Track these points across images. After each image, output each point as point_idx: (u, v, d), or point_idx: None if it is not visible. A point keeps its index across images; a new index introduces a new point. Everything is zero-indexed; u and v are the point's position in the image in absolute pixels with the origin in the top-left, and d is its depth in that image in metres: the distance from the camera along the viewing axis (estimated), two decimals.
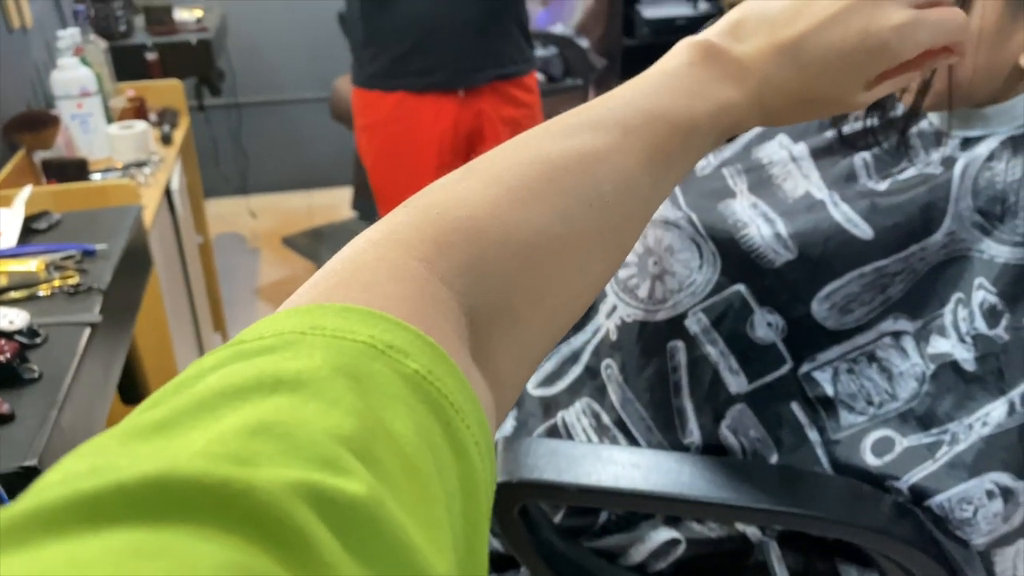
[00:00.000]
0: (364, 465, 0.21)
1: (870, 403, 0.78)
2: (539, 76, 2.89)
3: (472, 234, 0.32)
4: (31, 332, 0.93)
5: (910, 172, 0.78)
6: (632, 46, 3.45)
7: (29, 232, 1.22)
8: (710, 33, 0.47)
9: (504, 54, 1.85)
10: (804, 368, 0.80)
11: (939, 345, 0.76)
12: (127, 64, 2.27)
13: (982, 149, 0.74)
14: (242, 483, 0.18)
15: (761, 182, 0.84)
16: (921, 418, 0.76)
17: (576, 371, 0.88)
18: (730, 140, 0.84)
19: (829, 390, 0.79)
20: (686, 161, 0.43)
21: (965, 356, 0.74)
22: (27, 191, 1.28)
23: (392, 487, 0.21)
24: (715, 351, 0.81)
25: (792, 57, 0.45)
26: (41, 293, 1.05)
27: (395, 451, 0.23)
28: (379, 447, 0.22)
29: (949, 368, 0.75)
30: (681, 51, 0.45)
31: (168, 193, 1.87)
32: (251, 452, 0.20)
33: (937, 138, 0.78)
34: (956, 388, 0.75)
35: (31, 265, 1.07)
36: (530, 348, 0.35)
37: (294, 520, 0.18)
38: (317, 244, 3.18)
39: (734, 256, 0.80)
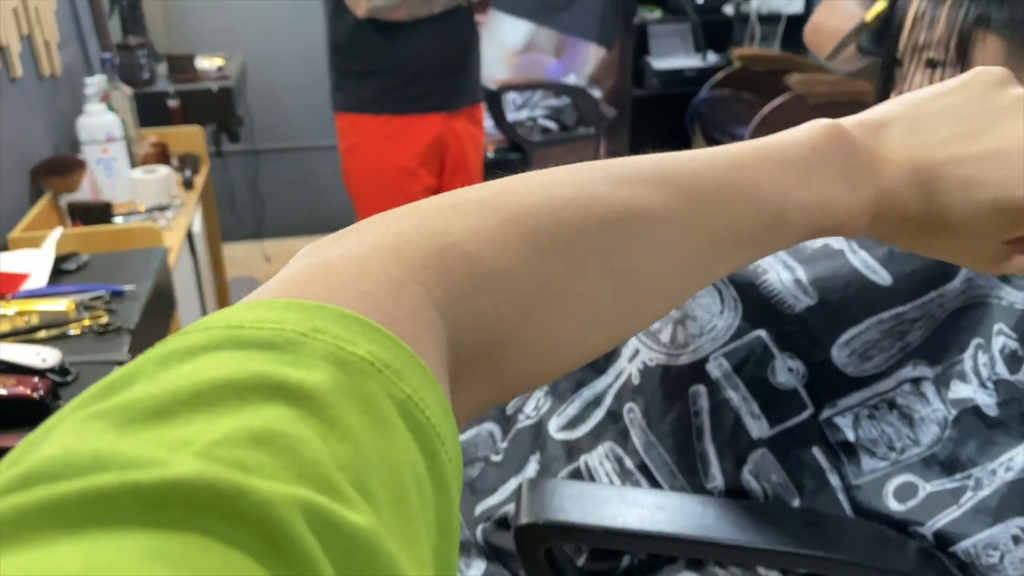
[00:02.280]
0: (359, 495, 0.21)
1: (892, 448, 0.78)
2: (552, 124, 2.94)
3: (474, 273, 0.30)
4: (63, 370, 0.95)
5: None
6: (641, 96, 3.50)
7: (59, 272, 1.24)
8: (850, 120, 0.41)
9: (474, 84, 2.23)
10: (825, 413, 0.81)
11: (960, 390, 0.77)
12: (150, 110, 2.32)
13: None
14: (258, 495, 0.18)
15: None
16: (944, 463, 0.76)
17: (599, 415, 0.88)
18: None
19: (850, 435, 0.80)
20: (760, 250, 0.38)
21: (987, 401, 0.75)
22: (57, 233, 1.30)
23: (384, 520, 0.21)
24: (737, 396, 0.81)
25: (925, 180, 0.40)
26: (72, 332, 1.06)
27: (387, 482, 0.22)
28: (373, 477, 0.21)
29: (971, 413, 0.76)
30: (807, 131, 0.40)
31: (190, 236, 1.89)
32: (256, 463, 0.19)
33: None
34: (979, 433, 0.75)
35: (61, 305, 1.09)
36: (500, 391, 0.33)
37: (303, 543, 0.18)
38: None
39: (755, 301, 0.81)
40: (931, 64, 0.81)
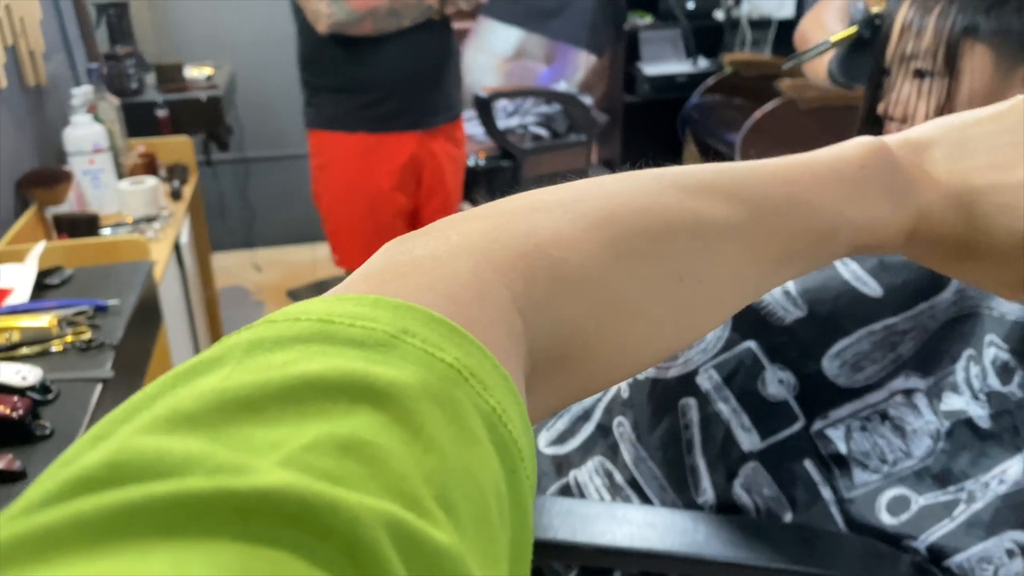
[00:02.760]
0: (443, 510, 0.20)
1: (884, 461, 0.78)
2: (543, 132, 2.93)
3: (558, 277, 0.30)
4: (43, 388, 0.94)
5: None
6: (633, 102, 3.50)
7: (42, 287, 1.22)
8: (894, 139, 0.42)
9: (451, 100, 2.15)
10: (817, 425, 0.80)
11: (953, 402, 0.76)
12: (138, 120, 2.30)
13: None
14: (348, 512, 0.18)
15: None
16: (937, 476, 0.76)
17: (588, 429, 0.87)
18: None
19: (842, 448, 0.79)
20: (805, 265, 0.39)
21: (979, 413, 0.74)
22: (40, 247, 1.29)
23: (466, 539, 0.21)
24: (727, 408, 0.81)
25: (964, 204, 0.40)
26: (54, 348, 1.05)
27: (470, 497, 0.22)
28: (456, 491, 0.21)
29: (964, 425, 0.75)
30: (854, 148, 0.40)
31: (177, 248, 1.88)
32: (343, 472, 0.19)
33: None
34: (971, 445, 0.75)
35: (44, 321, 1.08)
36: (564, 397, 0.33)
37: (390, 565, 0.18)
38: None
39: (744, 313, 0.81)
40: (919, 74, 0.81)
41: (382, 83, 1.99)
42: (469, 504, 0.21)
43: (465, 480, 0.22)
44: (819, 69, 1.48)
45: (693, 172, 0.36)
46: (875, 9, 0.99)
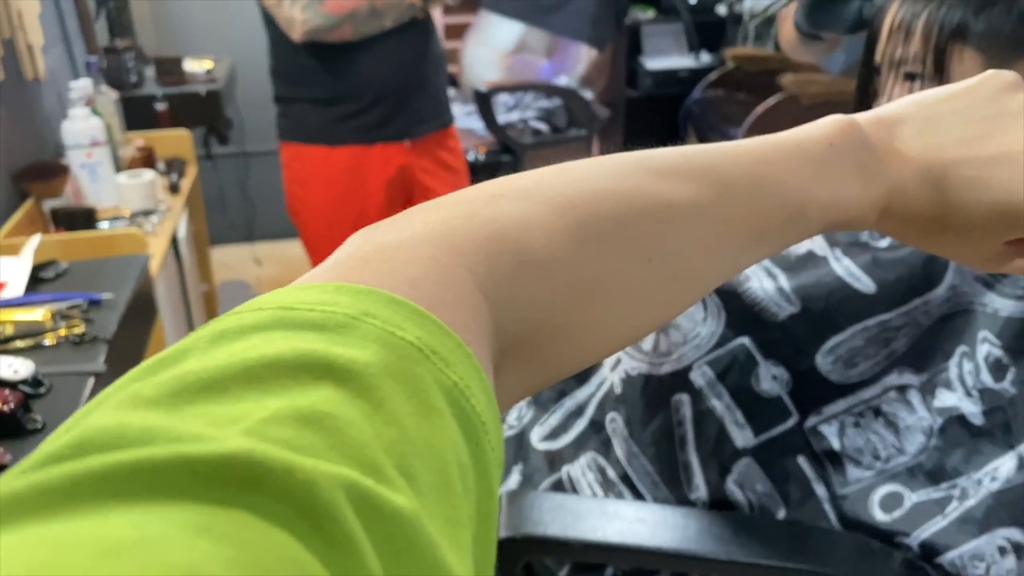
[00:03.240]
0: (403, 478, 0.21)
1: (877, 457, 0.77)
2: (543, 126, 2.92)
3: (523, 261, 0.31)
4: (35, 382, 0.93)
5: None
6: (635, 97, 3.49)
7: (37, 281, 1.22)
8: (864, 117, 0.42)
9: (442, 106, 1.99)
10: (810, 422, 0.80)
11: (946, 399, 0.76)
12: (137, 114, 2.30)
13: None
14: (304, 474, 0.18)
15: None
16: (930, 473, 0.75)
17: (581, 425, 0.87)
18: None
19: (836, 444, 0.79)
20: (781, 242, 0.40)
21: (972, 410, 0.74)
22: (36, 240, 1.29)
23: (427, 504, 0.21)
24: (720, 404, 0.80)
25: (935, 178, 0.41)
26: (46, 342, 1.05)
27: (431, 467, 0.22)
28: (416, 461, 0.22)
29: (956, 422, 0.75)
30: (824, 127, 0.41)
31: (175, 242, 1.88)
32: (302, 442, 0.19)
33: None
34: (964, 442, 0.74)
35: (37, 314, 1.07)
36: (535, 378, 0.34)
37: (347, 524, 0.18)
38: None
39: (738, 309, 0.80)
40: (909, 77, 0.80)
41: (364, 92, 1.84)
42: (429, 473, 0.22)
43: (425, 451, 0.22)
44: (789, 33, 1.46)
45: (660, 155, 0.37)
46: None
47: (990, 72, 0.43)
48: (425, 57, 1.89)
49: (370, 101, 1.85)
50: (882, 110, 0.43)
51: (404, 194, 2.00)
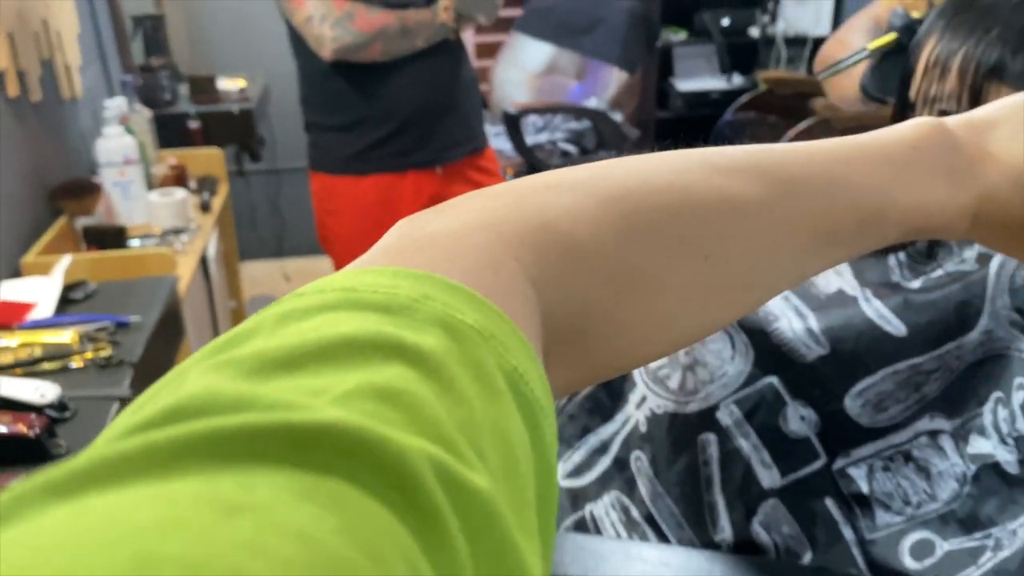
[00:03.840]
0: (477, 457, 0.21)
1: (908, 503, 0.76)
2: (572, 148, 2.92)
3: (568, 251, 0.31)
4: (61, 406, 0.94)
5: (944, 270, 0.77)
6: (666, 118, 3.49)
7: (66, 302, 1.24)
8: (955, 120, 0.40)
9: (473, 130, 1.94)
10: (839, 464, 0.78)
11: (980, 445, 0.74)
12: (170, 132, 2.33)
13: None
14: (396, 446, 0.18)
15: None
16: (962, 521, 0.73)
17: (605, 463, 0.86)
18: (935, 245, 0.77)
19: (864, 487, 0.77)
20: (854, 247, 0.38)
21: (1007, 458, 0.72)
22: (66, 261, 1.30)
23: (498, 485, 0.21)
24: (747, 444, 0.79)
25: None
26: (73, 365, 1.06)
27: (499, 449, 0.22)
28: (486, 442, 0.22)
29: (991, 470, 0.73)
30: (910, 129, 0.39)
31: (204, 260, 1.90)
32: (384, 416, 0.20)
33: None
34: (999, 491, 0.72)
35: (66, 336, 1.09)
36: (584, 372, 0.33)
37: (436, 499, 0.18)
38: None
39: (766, 348, 0.79)
40: (943, 115, 0.79)
41: (394, 115, 1.79)
42: (497, 455, 0.22)
43: (493, 432, 0.22)
44: (845, 86, 1.44)
45: (724, 152, 0.35)
46: (915, 14, 0.95)
47: None
48: (456, 79, 1.86)
49: (400, 125, 1.80)
50: (974, 113, 0.41)
51: None
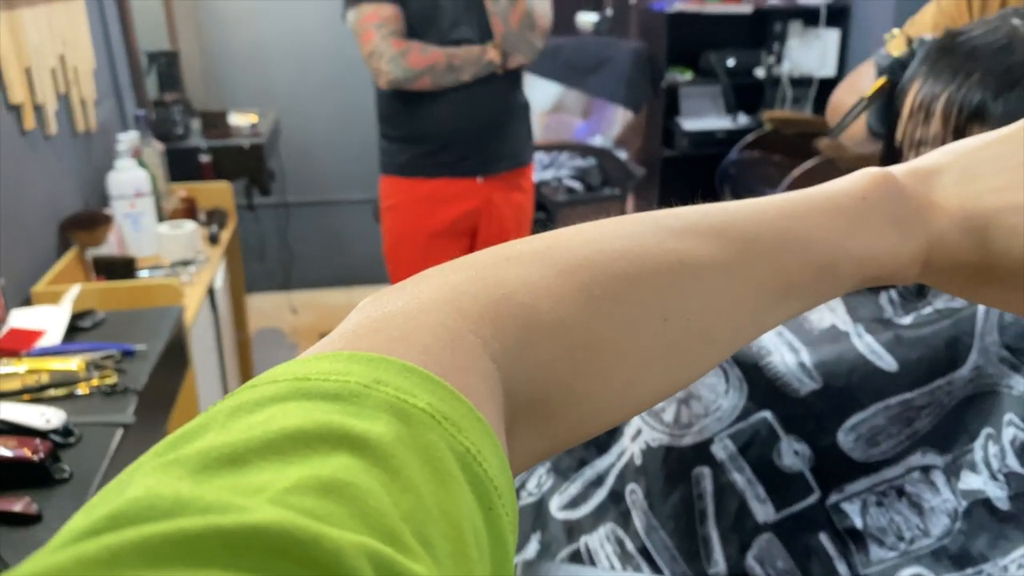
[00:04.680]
0: (421, 546, 0.21)
1: (901, 538, 0.76)
2: (577, 185, 2.95)
3: (529, 323, 0.31)
4: (66, 431, 0.95)
5: (934, 307, 0.78)
6: (672, 156, 3.51)
7: (74, 330, 1.26)
8: (900, 169, 0.41)
9: (517, 148, 2.17)
10: (832, 499, 0.79)
11: (971, 481, 0.74)
12: (181, 165, 2.37)
13: None
14: (331, 543, 0.19)
15: None
16: (955, 557, 0.74)
17: (600, 495, 0.87)
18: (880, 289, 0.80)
19: (858, 522, 0.77)
20: (811, 298, 0.38)
21: (998, 494, 0.72)
22: (75, 290, 1.32)
23: (444, 573, 0.21)
24: (742, 479, 0.80)
25: (976, 227, 0.39)
26: (79, 392, 1.07)
27: (447, 534, 0.22)
28: (433, 529, 0.22)
29: (982, 506, 0.73)
30: (857, 180, 0.40)
31: (211, 292, 1.92)
32: (325, 511, 0.20)
33: None
34: (990, 527, 0.73)
35: (72, 364, 1.10)
36: (553, 442, 0.33)
37: None
38: None
39: (760, 383, 0.80)
40: None
41: (441, 134, 2.06)
42: (446, 541, 0.22)
43: (441, 518, 0.22)
44: (855, 131, 1.47)
45: (678, 214, 0.36)
46: (895, 54, 0.98)
47: None
48: (501, 105, 2.10)
49: (446, 141, 2.05)
50: (918, 161, 0.42)
51: (471, 224, 2.19)
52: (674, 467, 0.82)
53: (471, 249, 2.23)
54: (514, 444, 0.31)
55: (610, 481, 0.87)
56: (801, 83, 3.49)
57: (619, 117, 3.12)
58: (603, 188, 2.93)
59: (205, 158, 2.43)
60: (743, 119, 3.54)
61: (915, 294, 0.80)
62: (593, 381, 0.33)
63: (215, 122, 2.56)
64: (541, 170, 3.02)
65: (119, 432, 0.99)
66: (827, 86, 3.39)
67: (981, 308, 0.74)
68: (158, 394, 1.17)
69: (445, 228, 2.14)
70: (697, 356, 0.36)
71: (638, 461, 0.85)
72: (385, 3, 1.93)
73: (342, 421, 0.23)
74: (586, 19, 3.79)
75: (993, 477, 0.72)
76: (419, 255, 2.15)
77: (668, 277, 0.34)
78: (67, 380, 1.08)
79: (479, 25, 1.99)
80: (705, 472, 0.81)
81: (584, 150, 2.96)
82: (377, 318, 0.29)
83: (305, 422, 0.22)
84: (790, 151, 3.04)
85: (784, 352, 0.80)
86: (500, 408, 0.29)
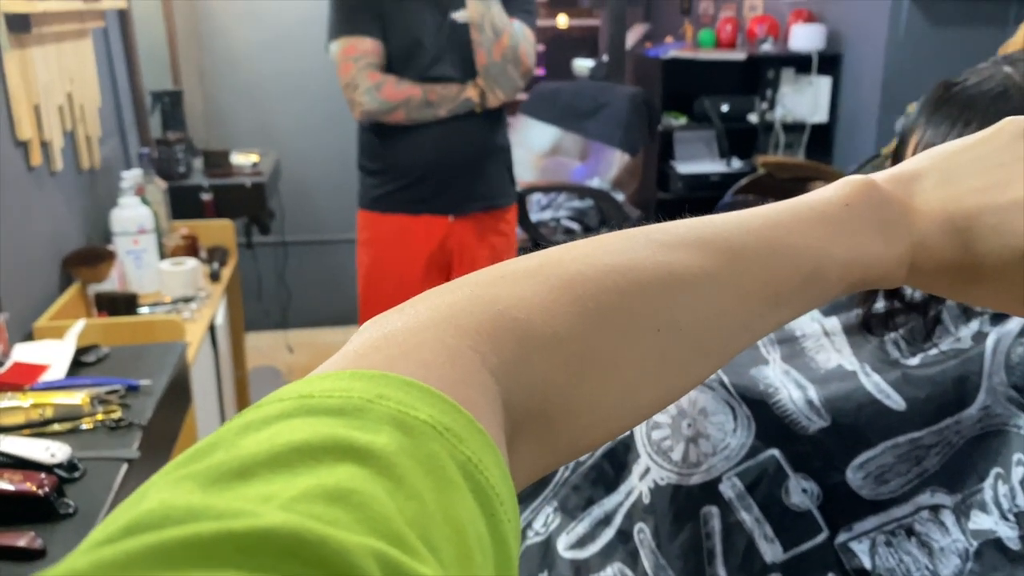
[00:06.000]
0: (427, 549, 0.22)
1: None
2: (575, 225, 2.97)
3: (524, 337, 0.32)
4: (71, 466, 0.95)
5: (940, 348, 0.79)
6: (666, 199, 3.55)
7: (78, 365, 1.25)
8: (882, 175, 0.42)
9: (494, 189, 2.14)
10: (841, 538, 0.79)
11: (981, 521, 0.74)
12: (183, 203, 2.38)
13: (1012, 325, 0.75)
14: (338, 544, 0.19)
15: (794, 353, 0.85)
16: None
17: (608, 534, 0.86)
18: (932, 325, 0.80)
19: (867, 563, 0.77)
20: (800, 305, 0.39)
21: (1009, 534, 0.72)
22: (80, 325, 1.32)
23: (450, 574, 0.22)
24: (750, 518, 0.79)
25: (960, 229, 0.41)
26: (84, 426, 1.07)
27: (451, 539, 0.23)
28: (438, 534, 0.23)
29: (993, 546, 0.73)
30: (840, 188, 0.40)
31: (212, 329, 1.92)
32: (332, 517, 0.20)
33: (966, 314, 0.79)
34: (1001, 567, 0.73)
35: (77, 398, 1.10)
36: (553, 454, 0.34)
37: None
38: None
39: (768, 421, 0.80)
40: None
41: (413, 169, 2.04)
42: (450, 545, 0.23)
43: (445, 523, 0.23)
44: None
45: (667, 228, 0.37)
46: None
47: (1006, 120, 0.44)
48: (477, 145, 2.07)
49: (418, 176, 2.03)
50: (899, 167, 0.43)
51: (444, 261, 2.15)
52: (682, 506, 0.82)
53: None
54: (515, 457, 0.31)
55: (618, 520, 0.87)
56: (794, 129, 3.55)
57: (616, 160, 3.16)
58: (600, 229, 2.95)
59: (207, 196, 2.45)
60: (737, 163, 3.58)
61: (921, 337, 0.81)
62: (590, 392, 0.33)
63: (217, 161, 2.58)
64: (539, 211, 3.05)
65: (124, 467, 0.98)
66: (819, 132, 3.44)
67: (988, 348, 0.75)
68: (162, 429, 1.17)
69: (417, 265, 2.12)
70: (691, 366, 0.37)
71: (646, 500, 0.84)
72: (366, 37, 1.95)
73: (346, 434, 0.23)
74: (583, 64, 3.86)
75: (1004, 517, 0.72)
76: (391, 291, 2.13)
77: (659, 289, 0.35)
78: (72, 415, 1.08)
79: (461, 64, 2.00)
80: (713, 511, 0.81)
81: (582, 192, 2.99)
82: (378, 337, 0.30)
83: (310, 436, 0.23)
84: (783, 195, 3.03)
85: (792, 389, 0.80)
86: (500, 420, 0.30)
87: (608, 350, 0.33)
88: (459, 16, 1.95)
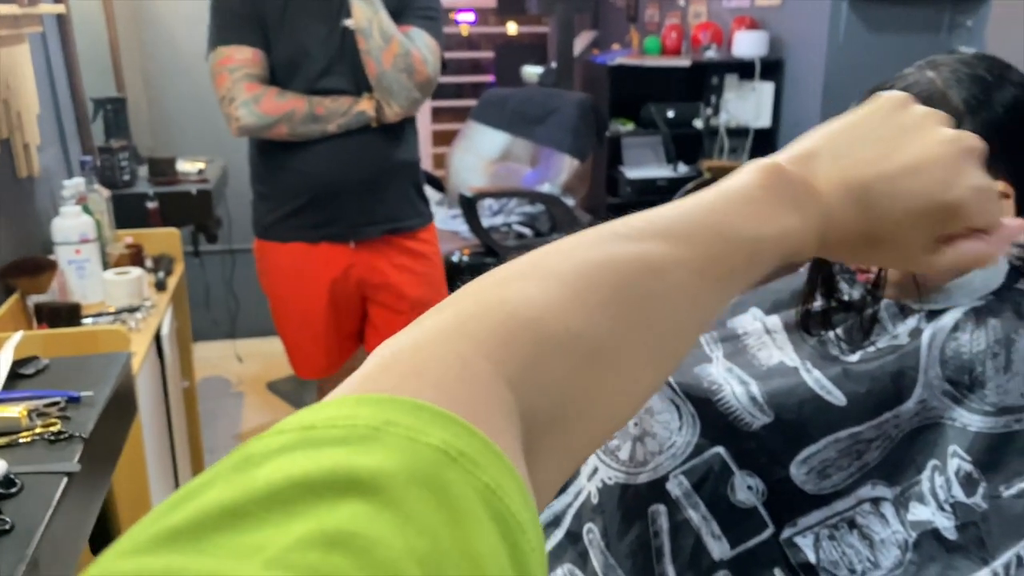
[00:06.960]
0: None
1: (852, 571, 0.77)
2: (527, 230, 2.98)
3: (538, 337, 0.31)
4: (7, 481, 0.92)
5: (877, 345, 0.80)
6: (616, 204, 3.58)
7: (16, 377, 1.22)
8: (781, 156, 0.46)
9: (398, 210, 1.94)
10: (786, 533, 0.80)
11: (919, 512, 0.76)
12: (128, 211, 2.33)
13: (947, 320, 0.77)
14: None
15: (737, 351, 0.86)
16: None
17: (558, 536, 0.87)
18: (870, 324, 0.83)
19: (811, 556, 0.79)
20: (746, 279, 0.42)
21: (946, 524, 0.74)
22: (17, 337, 1.29)
23: None
24: (697, 516, 0.80)
25: (858, 198, 0.45)
26: (22, 440, 1.04)
27: (469, 574, 0.22)
28: (452, 571, 0.21)
29: (931, 536, 0.75)
30: (749, 173, 0.44)
31: (158, 338, 1.88)
32: (330, 567, 0.19)
33: (903, 312, 0.81)
34: (939, 557, 0.74)
35: (14, 412, 1.07)
36: (572, 457, 0.33)
37: None
38: (301, 390, 3.17)
39: (712, 418, 0.81)
40: None
41: (301, 191, 1.86)
42: None
43: (462, 559, 0.22)
44: None
45: (626, 222, 0.39)
46: None
47: (883, 96, 0.48)
48: (376, 162, 1.88)
49: (311, 199, 1.86)
50: (794, 148, 0.47)
51: (353, 292, 1.97)
52: (630, 505, 0.83)
53: (367, 316, 2.02)
54: (536, 468, 0.30)
55: (567, 521, 0.87)
56: (738, 133, 3.61)
57: (566, 165, 3.18)
58: (552, 233, 2.96)
59: (152, 204, 2.41)
60: (683, 168, 3.63)
61: (860, 335, 0.82)
62: (602, 388, 0.34)
63: (162, 168, 2.54)
64: (491, 216, 3.05)
65: (64, 480, 0.96)
66: (762, 136, 3.50)
67: (924, 343, 0.77)
68: (105, 441, 1.14)
69: (319, 301, 1.93)
70: (674, 350, 0.39)
71: (595, 499, 0.85)
72: (244, 46, 1.76)
73: (349, 465, 0.22)
74: (531, 71, 3.88)
75: (940, 508, 0.74)
76: (296, 327, 1.98)
77: (639, 279, 0.36)
78: (9, 429, 1.05)
79: (353, 76, 1.81)
80: (661, 510, 0.82)
81: (532, 197, 3.00)
82: (387, 356, 0.29)
83: (311, 469, 0.22)
84: None
85: (735, 386, 0.81)
86: (517, 436, 0.29)
87: (614, 344, 0.34)
88: (349, 22, 1.77)
